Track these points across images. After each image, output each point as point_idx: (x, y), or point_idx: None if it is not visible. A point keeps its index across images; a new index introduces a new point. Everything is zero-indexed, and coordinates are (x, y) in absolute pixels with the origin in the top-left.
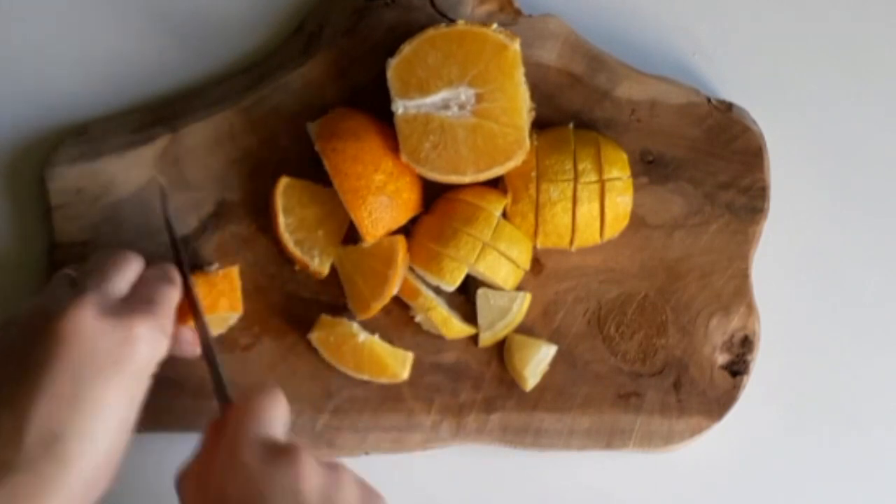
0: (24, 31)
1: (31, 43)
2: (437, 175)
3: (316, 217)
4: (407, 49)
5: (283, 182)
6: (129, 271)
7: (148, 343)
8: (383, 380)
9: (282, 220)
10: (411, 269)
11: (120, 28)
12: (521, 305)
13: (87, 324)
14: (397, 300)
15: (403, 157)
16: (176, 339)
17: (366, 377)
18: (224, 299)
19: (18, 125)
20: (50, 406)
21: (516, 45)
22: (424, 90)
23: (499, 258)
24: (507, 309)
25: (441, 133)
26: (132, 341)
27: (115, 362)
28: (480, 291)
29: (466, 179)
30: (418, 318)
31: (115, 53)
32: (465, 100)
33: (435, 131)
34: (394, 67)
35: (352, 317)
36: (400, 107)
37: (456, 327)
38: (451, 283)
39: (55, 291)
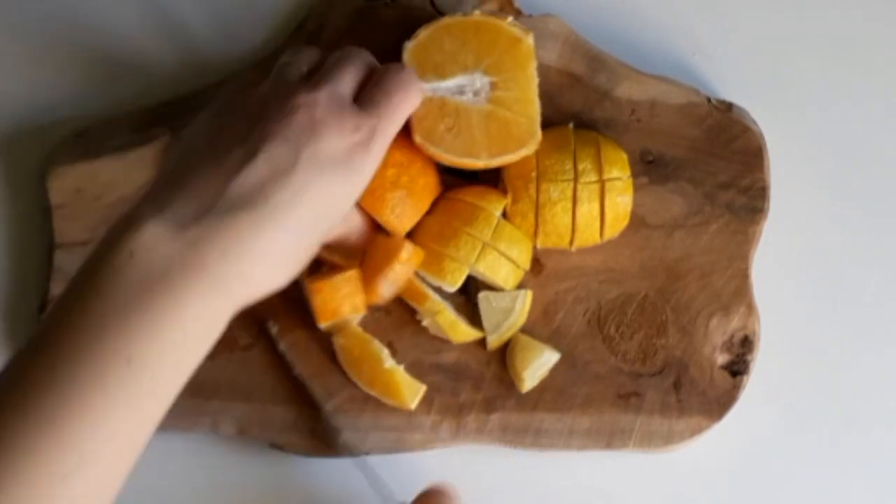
0: (24, 31)
1: (31, 43)
2: (452, 157)
3: None
4: (423, 34)
5: None
6: (354, 72)
7: (366, 143)
8: (390, 402)
9: None
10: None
11: (120, 28)
12: (524, 303)
13: (319, 111)
14: (398, 300)
15: (417, 139)
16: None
17: (374, 394)
18: (348, 302)
19: (18, 125)
20: (265, 166)
21: (530, 40)
22: (440, 73)
23: (499, 258)
24: (509, 309)
25: (456, 116)
26: (355, 141)
27: (333, 158)
28: (482, 295)
29: (480, 164)
30: (425, 322)
31: (115, 53)
32: (480, 87)
33: (450, 114)
34: (410, 50)
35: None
36: None
37: (463, 331)
38: (453, 284)
39: (290, 77)
